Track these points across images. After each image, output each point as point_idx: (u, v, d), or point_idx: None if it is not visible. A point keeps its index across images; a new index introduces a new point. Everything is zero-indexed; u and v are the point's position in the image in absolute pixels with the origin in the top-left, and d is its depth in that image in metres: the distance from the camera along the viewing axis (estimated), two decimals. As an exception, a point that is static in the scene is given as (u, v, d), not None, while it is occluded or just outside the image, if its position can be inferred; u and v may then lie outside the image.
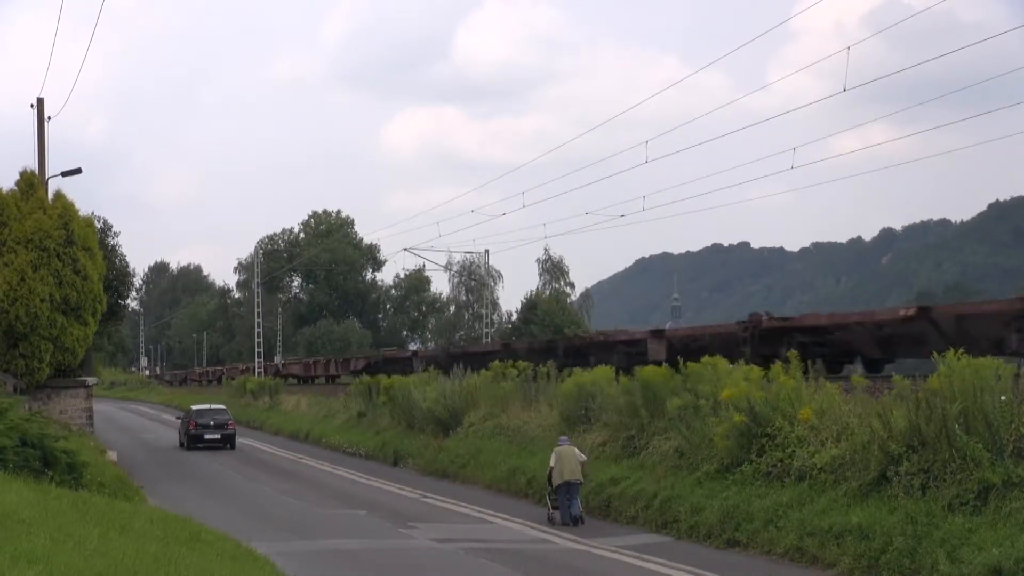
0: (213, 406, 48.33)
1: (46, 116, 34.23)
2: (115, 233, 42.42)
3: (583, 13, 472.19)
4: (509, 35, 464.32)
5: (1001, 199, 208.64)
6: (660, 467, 21.58)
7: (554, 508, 21.92)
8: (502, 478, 27.20)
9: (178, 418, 51.95)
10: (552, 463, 21.94)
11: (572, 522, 21.31)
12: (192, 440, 43.82)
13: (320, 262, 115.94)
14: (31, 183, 32.14)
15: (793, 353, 20.16)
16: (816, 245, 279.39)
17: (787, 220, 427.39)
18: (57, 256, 30.37)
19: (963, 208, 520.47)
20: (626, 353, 33.49)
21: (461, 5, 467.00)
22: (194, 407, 48.57)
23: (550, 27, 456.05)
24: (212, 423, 44.30)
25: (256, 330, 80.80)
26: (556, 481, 21.66)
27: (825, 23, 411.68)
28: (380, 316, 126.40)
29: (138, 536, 12.65)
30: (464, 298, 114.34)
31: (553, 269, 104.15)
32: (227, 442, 43.98)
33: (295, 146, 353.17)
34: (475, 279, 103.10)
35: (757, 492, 18.08)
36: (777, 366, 20.19)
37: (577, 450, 22.31)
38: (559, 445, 22.49)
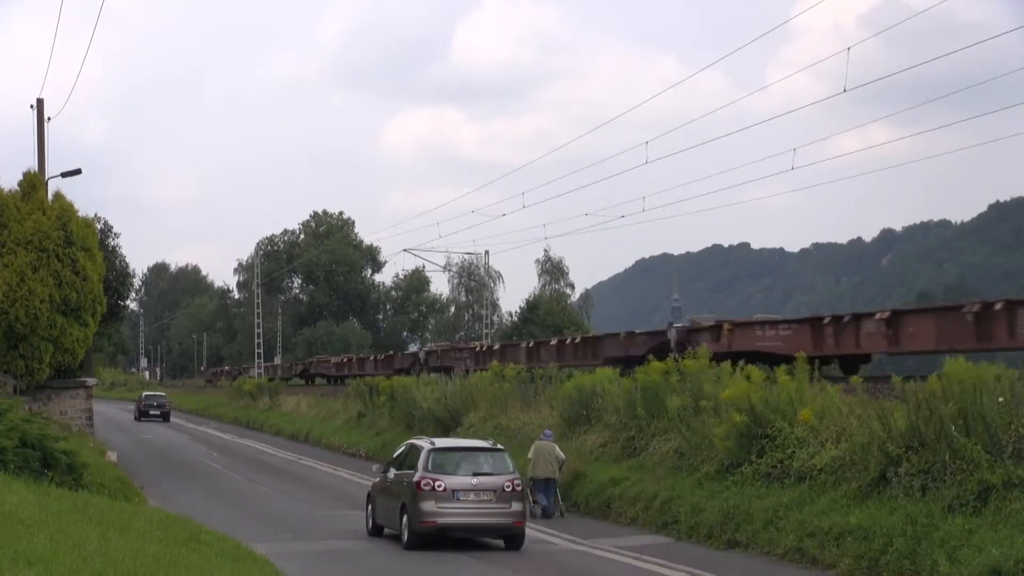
0: (156, 393, 74.73)
1: (46, 117, 34.26)
2: (116, 234, 42.45)
3: (581, 13, 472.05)
4: (508, 35, 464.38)
5: (1001, 200, 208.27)
6: (660, 468, 21.58)
7: (534, 501, 22.45)
8: (502, 479, 27.16)
9: (134, 401, 73.65)
10: (530, 455, 22.71)
11: (545, 516, 22.07)
12: (141, 414, 66.53)
13: (320, 263, 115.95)
14: (34, 184, 32.14)
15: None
16: (816, 246, 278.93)
17: (787, 221, 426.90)
18: (57, 257, 30.36)
19: (963, 209, 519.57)
20: None
21: (460, 5, 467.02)
22: (144, 393, 73.96)
23: (549, 27, 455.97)
24: (155, 403, 67.80)
25: (256, 331, 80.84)
26: (530, 475, 22.36)
27: (823, 23, 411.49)
28: (380, 317, 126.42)
29: (138, 537, 12.65)
30: (464, 299, 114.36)
31: (553, 270, 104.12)
32: (164, 417, 66.11)
33: (295, 146, 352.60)
34: (475, 280, 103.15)
35: (757, 493, 18.08)
36: (780, 368, 20.29)
37: (557, 447, 23.00)
38: (541, 439, 23.26)
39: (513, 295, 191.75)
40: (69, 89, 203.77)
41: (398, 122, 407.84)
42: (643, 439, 23.30)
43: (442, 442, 20.13)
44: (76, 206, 31.98)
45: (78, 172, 36.17)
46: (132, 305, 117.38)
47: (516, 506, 18.39)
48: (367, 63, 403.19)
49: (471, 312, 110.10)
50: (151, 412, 66.11)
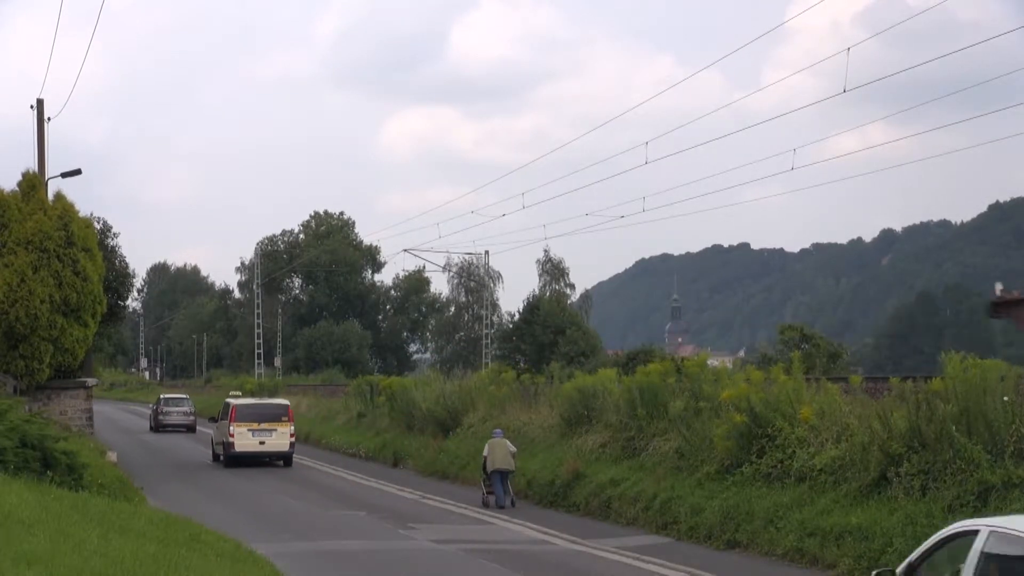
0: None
1: (46, 117, 34.23)
2: (115, 234, 42.36)
3: (579, 12, 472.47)
4: (505, 34, 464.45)
5: (1001, 200, 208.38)
6: (660, 468, 21.58)
7: (488, 493, 24.16)
8: (502, 479, 27.21)
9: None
10: (485, 453, 24.30)
11: (499, 505, 23.63)
12: None
13: (320, 263, 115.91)
14: (33, 184, 32.10)
15: None
16: (816, 246, 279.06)
17: (787, 221, 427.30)
18: (57, 257, 30.34)
19: (963, 209, 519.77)
20: None
21: (457, 4, 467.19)
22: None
23: (546, 26, 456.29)
24: None
25: (256, 331, 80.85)
26: (489, 468, 23.98)
27: (820, 21, 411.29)
28: (380, 317, 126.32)
29: (138, 537, 12.65)
30: (464, 299, 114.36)
31: (553, 270, 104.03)
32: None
33: (294, 146, 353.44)
34: (475, 280, 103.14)
35: (757, 493, 18.08)
36: (777, 367, 20.28)
37: (509, 443, 24.66)
38: (493, 436, 24.86)
39: (513, 295, 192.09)
40: (69, 89, 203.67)
41: (396, 121, 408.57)
42: (643, 439, 23.29)
43: (168, 395, 60.12)
44: (76, 206, 32.01)
45: (78, 172, 36.13)
46: (135, 304, 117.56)
47: (191, 417, 54.49)
48: (364, 62, 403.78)
49: (471, 312, 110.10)
50: None
